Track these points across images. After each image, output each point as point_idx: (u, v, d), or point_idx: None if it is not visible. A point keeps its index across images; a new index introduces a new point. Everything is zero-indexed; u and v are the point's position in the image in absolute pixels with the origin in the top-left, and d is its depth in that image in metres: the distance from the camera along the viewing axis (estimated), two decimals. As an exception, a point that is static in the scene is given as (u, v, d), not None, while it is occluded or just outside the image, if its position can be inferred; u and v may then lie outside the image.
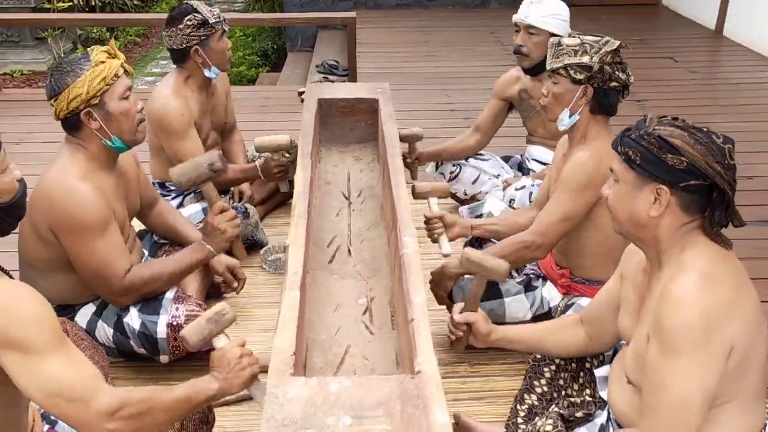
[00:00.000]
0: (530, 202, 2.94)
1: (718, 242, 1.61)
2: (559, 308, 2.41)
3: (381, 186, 3.07)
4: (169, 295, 2.31)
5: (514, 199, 2.98)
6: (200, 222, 2.82)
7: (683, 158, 1.56)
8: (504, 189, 3.21)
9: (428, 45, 6.59)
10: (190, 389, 1.64)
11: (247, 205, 3.10)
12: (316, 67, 6.55)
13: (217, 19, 2.91)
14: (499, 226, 2.69)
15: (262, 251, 3.08)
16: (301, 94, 5.37)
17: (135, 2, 10.31)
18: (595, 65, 2.25)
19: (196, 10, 2.88)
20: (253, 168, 3.07)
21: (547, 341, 2.07)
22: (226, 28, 2.97)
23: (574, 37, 2.34)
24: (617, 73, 2.30)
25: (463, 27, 7.26)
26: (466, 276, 2.48)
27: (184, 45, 2.91)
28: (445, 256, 2.58)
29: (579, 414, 1.90)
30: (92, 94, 2.09)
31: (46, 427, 1.72)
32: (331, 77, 6.13)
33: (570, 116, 2.33)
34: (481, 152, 3.43)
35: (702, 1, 7.39)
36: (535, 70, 3.15)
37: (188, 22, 2.87)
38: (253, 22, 6.18)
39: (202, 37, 2.90)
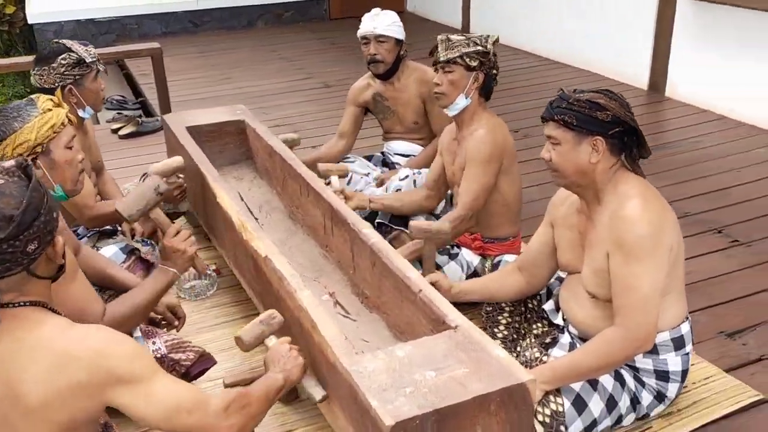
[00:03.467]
0: (415, 187, 3.32)
1: (638, 173, 2.12)
2: (487, 268, 2.81)
3: (279, 198, 3.24)
4: (137, 334, 2.30)
5: (400, 189, 3.32)
6: (123, 262, 2.77)
7: (608, 112, 2.03)
8: (378, 185, 3.53)
9: (218, 68, 6.67)
10: (264, 385, 1.76)
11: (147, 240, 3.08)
12: (103, 104, 6.31)
13: (93, 59, 2.86)
14: (393, 201, 3.07)
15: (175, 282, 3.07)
16: (116, 130, 5.19)
17: None
18: (491, 51, 2.70)
19: (69, 49, 2.81)
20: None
21: (495, 289, 2.47)
22: (100, 68, 2.93)
23: (455, 34, 2.76)
24: (496, 62, 2.77)
25: (241, 48, 7.43)
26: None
27: (56, 84, 2.82)
28: None
29: (548, 340, 2.31)
30: (39, 142, 2.06)
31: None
32: (124, 113, 5.96)
33: (465, 98, 2.74)
34: (347, 155, 3.73)
35: (445, 5, 8.35)
36: (388, 74, 3.54)
37: (62, 61, 2.79)
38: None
39: (77, 77, 2.83)
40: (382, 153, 3.81)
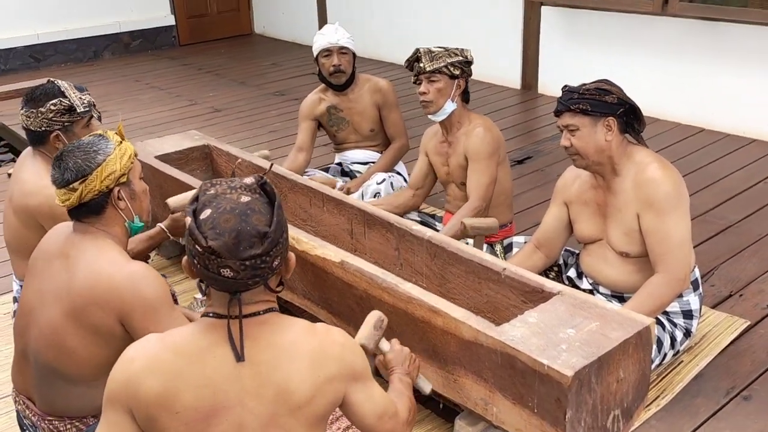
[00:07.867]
0: (393, 189, 3.51)
1: (642, 142, 2.51)
2: (499, 253, 3.07)
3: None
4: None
5: (379, 192, 3.50)
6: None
7: (614, 95, 2.41)
8: (345, 194, 3.66)
9: (88, 103, 6.32)
10: (409, 389, 1.85)
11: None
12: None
13: (86, 108, 2.66)
14: (384, 206, 3.23)
15: (187, 305, 2.99)
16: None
17: None
18: (472, 60, 2.98)
19: (63, 95, 2.64)
20: (160, 231, 2.95)
21: (528, 268, 2.72)
22: (95, 114, 2.76)
23: (434, 47, 3.01)
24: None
25: (101, 81, 7.06)
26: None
27: (43, 128, 2.65)
28: None
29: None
30: (123, 172, 2.03)
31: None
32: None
33: (452, 103, 3.00)
34: (306, 170, 3.82)
35: (297, 25, 8.48)
36: (346, 85, 3.71)
37: (51, 107, 2.61)
38: None
39: (66, 123, 2.67)
40: (339, 164, 3.94)
